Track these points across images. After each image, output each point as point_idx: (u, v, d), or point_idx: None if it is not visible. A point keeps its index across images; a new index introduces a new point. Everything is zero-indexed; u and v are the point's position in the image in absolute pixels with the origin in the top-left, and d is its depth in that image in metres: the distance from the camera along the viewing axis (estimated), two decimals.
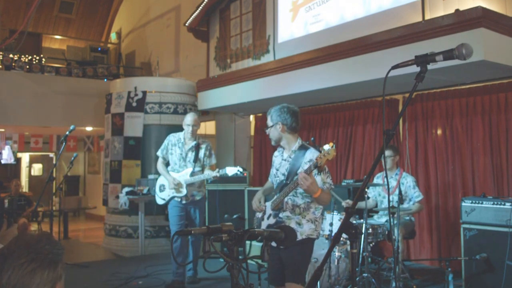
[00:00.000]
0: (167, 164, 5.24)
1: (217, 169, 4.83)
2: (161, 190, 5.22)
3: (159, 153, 5.22)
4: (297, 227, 2.99)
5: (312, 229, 3.03)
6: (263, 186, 3.44)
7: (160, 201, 5.25)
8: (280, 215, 3.04)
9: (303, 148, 3.04)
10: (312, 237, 3.03)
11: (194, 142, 5.08)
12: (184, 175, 5.01)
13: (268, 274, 3.24)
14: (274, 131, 3.07)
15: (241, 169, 4.70)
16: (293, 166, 2.99)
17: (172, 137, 5.18)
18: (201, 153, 5.11)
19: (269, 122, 3.10)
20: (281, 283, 3.02)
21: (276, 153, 3.26)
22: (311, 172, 2.69)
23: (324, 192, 2.87)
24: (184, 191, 4.98)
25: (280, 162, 3.16)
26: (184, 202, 5.06)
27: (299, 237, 2.96)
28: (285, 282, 2.95)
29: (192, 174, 4.99)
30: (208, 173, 4.86)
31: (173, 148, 5.13)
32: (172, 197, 5.07)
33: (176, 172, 5.08)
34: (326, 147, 2.61)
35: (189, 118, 5.09)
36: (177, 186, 4.99)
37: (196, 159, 5.06)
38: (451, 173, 5.49)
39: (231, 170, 4.72)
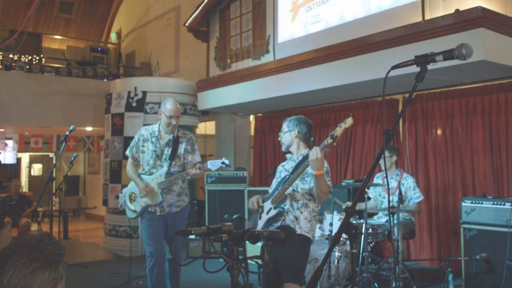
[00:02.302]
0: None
1: (197, 165, 3.81)
2: (132, 200, 4.12)
3: (128, 152, 4.13)
4: (294, 221, 3.06)
5: (308, 228, 3.08)
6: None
7: (131, 214, 4.12)
8: (283, 206, 3.11)
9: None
10: (308, 236, 3.06)
11: (172, 135, 4.02)
12: (158, 177, 3.93)
13: (262, 277, 3.24)
14: (288, 136, 3.26)
15: (226, 161, 3.67)
16: (298, 166, 3.11)
17: (145, 131, 4.09)
18: (181, 148, 4.00)
19: (285, 128, 3.29)
20: (276, 286, 3.03)
21: (283, 163, 3.38)
22: (323, 148, 2.85)
23: (325, 179, 2.95)
24: (159, 198, 3.90)
25: (287, 162, 3.31)
26: (159, 213, 3.96)
27: (297, 231, 3.01)
28: (283, 283, 2.95)
29: (167, 175, 3.91)
30: (187, 172, 3.81)
31: (145, 144, 4.04)
32: (146, 207, 4.00)
33: (148, 175, 4.01)
34: (345, 119, 2.79)
35: (169, 107, 3.94)
36: (150, 194, 3.93)
37: (173, 156, 3.96)
38: (451, 173, 5.49)
39: (214, 164, 3.69)
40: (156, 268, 3.90)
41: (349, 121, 2.76)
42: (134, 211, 4.06)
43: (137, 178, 3.99)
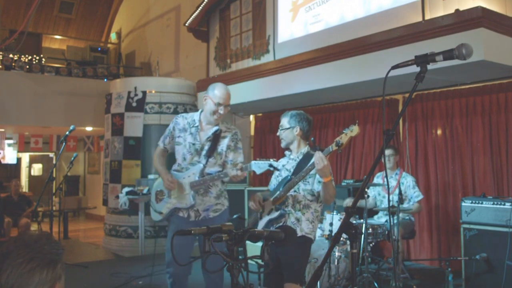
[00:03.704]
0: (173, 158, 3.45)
1: (239, 165, 3.14)
2: (158, 200, 3.45)
3: (160, 142, 3.50)
4: (296, 223, 3.03)
5: (310, 229, 3.06)
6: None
7: (156, 217, 3.48)
8: (284, 208, 3.09)
9: (310, 154, 3.15)
10: (309, 237, 3.06)
11: (215, 128, 3.33)
12: (190, 175, 3.27)
13: (264, 276, 3.24)
14: (289, 134, 3.18)
15: (274, 162, 2.97)
16: (300, 165, 3.08)
17: (182, 119, 3.41)
18: (223, 144, 3.32)
19: (286, 124, 3.20)
20: (277, 285, 3.03)
21: (282, 159, 3.33)
22: (328, 154, 2.79)
23: (333, 184, 2.92)
24: (189, 200, 3.25)
25: (287, 161, 3.24)
26: (193, 219, 3.31)
27: (299, 233, 3.00)
28: (284, 283, 2.95)
29: (202, 174, 3.24)
30: (225, 172, 3.16)
31: (181, 135, 3.36)
32: (174, 210, 3.34)
33: (180, 172, 3.34)
34: (350, 126, 2.71)
35: (218, 93, 3.26)
36: (178, 193, 3.29)
37: (211, 152, 3.28)
38: (451, 173, 5.49)
39: (259, 166, 2.98)
40: None
41: (355, 130, 2.68)
42: (160, 213, 3.38)
43: (163, 169, 3.34)
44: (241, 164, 3.17)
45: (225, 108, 3.28)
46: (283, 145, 3.24)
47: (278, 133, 3.24)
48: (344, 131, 2.71)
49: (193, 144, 3.31)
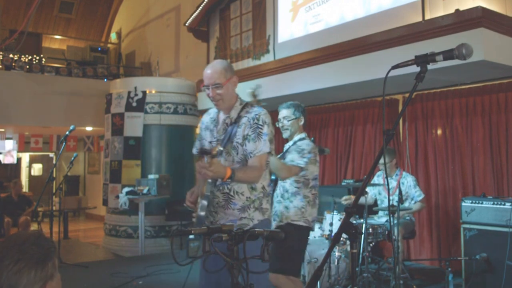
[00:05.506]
0: None
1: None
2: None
3: (194, 150, 2.79)
4: (284, 211, 3.14)
5: (299, 216, 3.12)
6: None
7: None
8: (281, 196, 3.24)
9: (302, 138, 3.29)
10: (298, 224, 3.11)
11: (227, 116, 2.64)
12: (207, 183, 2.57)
13: None
14: (295, 123, 3.24)
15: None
16: (287, 152, 3.26)
17: (206, 117, 2.78)
18: (238, 134, 2.54)
19: (291, 115, 3.24)
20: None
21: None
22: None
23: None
24: (198, 211, 2.49)
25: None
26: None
27: (284, 222, 3.11)
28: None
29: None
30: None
31: (205, 133, 2.73)
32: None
33: None
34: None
35: (208, 71, 2.57)
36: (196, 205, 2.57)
37: (226, 143, 2.54)
38: (451, 173, 5.49)
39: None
40: None
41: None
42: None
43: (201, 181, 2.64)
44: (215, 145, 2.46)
45: (213, 89, 2.52)
46: (287, 135, 3.28)
47: (281, 124, 3.25)
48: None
49: (210, 142, 2.64)
